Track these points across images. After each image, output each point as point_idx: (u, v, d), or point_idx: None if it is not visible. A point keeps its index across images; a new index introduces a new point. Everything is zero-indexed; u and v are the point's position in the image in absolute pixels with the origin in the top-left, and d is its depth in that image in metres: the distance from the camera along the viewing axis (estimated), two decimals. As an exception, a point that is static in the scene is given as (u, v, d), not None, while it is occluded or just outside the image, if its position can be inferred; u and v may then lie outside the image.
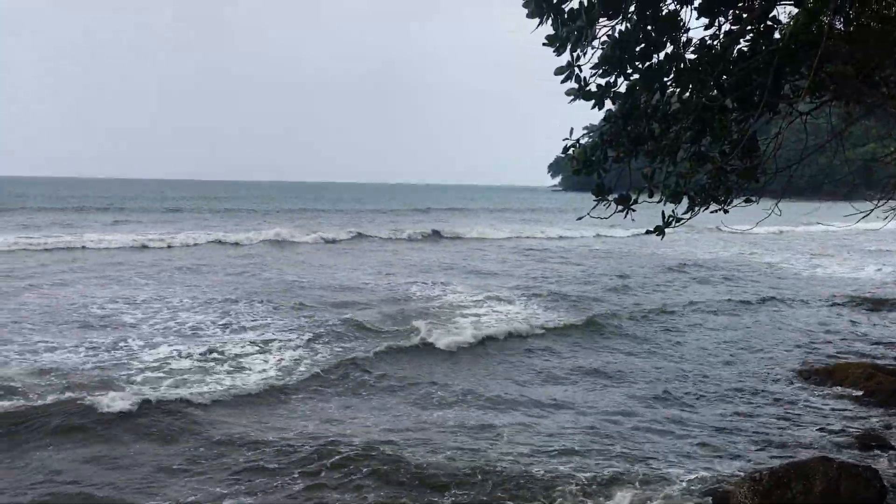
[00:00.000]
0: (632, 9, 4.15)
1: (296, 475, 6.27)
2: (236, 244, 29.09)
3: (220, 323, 12.63)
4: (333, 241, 31.99)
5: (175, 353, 10.25)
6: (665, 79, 4.40)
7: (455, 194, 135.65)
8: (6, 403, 7.69)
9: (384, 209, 67.64)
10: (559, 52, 4.30)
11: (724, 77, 4.50)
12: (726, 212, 5.11)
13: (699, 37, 4.51)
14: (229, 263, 22.00)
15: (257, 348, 10.72)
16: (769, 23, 4.45)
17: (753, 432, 7.54)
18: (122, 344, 10.76)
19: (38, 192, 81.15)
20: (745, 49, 4.53)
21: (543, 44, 4.34)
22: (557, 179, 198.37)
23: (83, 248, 25.99)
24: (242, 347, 10.70)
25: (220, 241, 29.55)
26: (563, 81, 4.39)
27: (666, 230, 4.77)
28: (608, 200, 4.77)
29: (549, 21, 4.23)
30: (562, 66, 4.35)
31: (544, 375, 9.95)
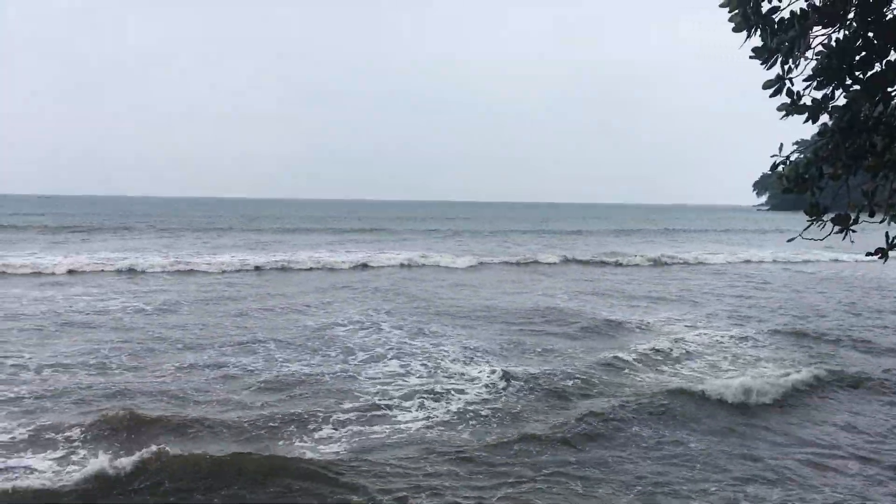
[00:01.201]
0: (850, 15, 3.88)
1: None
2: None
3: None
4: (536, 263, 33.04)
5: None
6: (889, 88, 4.05)
7: (662, 215, 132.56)
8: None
9: (592, 230, 67.85)
10: (767, 64, 4.12)
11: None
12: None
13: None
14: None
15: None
16: None
17: None
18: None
19: (270, 213, 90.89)
20: None
21: (751, 56, 4.17)
22: (763, 198, 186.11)
23: (310, 268, 28.61)
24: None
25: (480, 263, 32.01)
26: (771, 96, 4.19)
27: (889, 253, 4.36)
28: (823, 220, 4.45)
29: (758, 33, 4.07)
30: (770, 80, 4.15)
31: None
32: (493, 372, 11.62)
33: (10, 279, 22.85)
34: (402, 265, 30.69)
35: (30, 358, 11.97)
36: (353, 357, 12.69)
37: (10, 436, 8.30)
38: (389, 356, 12.84)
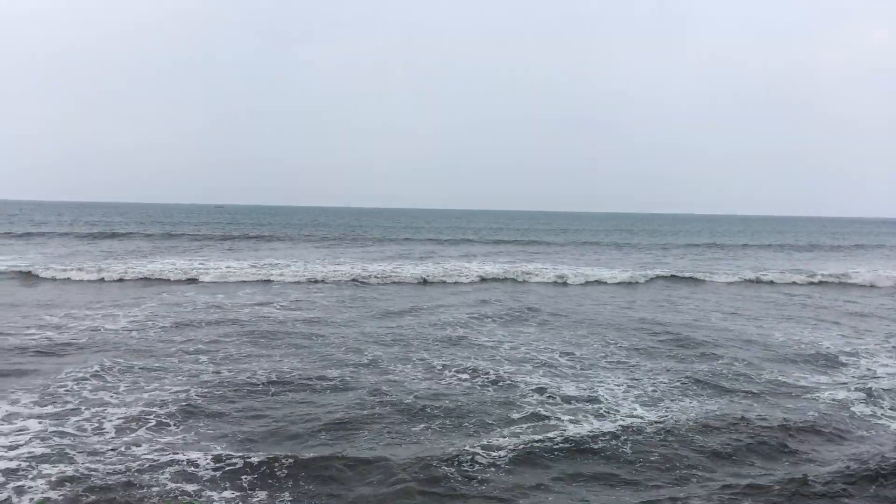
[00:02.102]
0: None
1: None
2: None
3: None
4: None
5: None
6: None
7: (794, 227, 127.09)
8: None
9: (753, 243, 64.96)
10: None
11: None
12: None
13: None
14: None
15: None
16: None
17: None
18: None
19: (376, 223, 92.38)
20: None
21: None
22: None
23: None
24: None
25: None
26: None
27: None
28: None
29: None
30: None
31: None
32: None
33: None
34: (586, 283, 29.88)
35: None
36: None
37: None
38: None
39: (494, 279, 30.38)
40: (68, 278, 26.22)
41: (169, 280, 26.88)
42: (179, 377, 11.90)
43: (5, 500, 7.03)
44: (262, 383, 11.54)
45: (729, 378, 12.62)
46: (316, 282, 27.53)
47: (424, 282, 28.79)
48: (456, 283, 29.02)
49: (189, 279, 27.05)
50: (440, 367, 12.94)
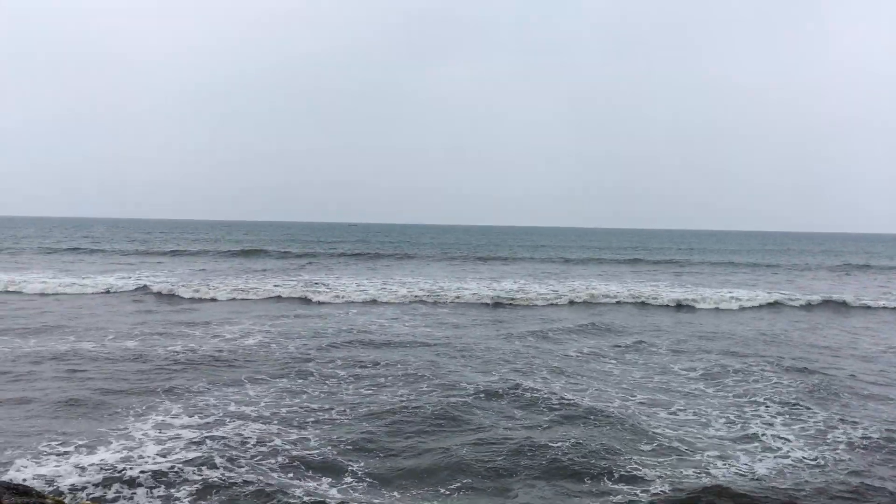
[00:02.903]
0: None
1: None
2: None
3: None
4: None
5: None
6: None
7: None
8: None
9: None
10: None
11: None
12: None
13: None
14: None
15: None
16: None
17: None
18: None
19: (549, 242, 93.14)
20: None
21: None
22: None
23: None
24: None
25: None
26: None
27: None
28: None
29: None
30: None
31: None
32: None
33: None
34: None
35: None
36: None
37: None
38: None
39: (651, 304, 29.32)
40: (213, 298, 27.48)
41: (309, 300, 27.80)
42: (318, 394, 12.23)
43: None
44: (404, 406, 11.55)
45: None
46: (459, 303, 27.53)
47: (571, 303, 28.39)
48: (602, 303, 28.45)
49: (336, 298, 27.91)
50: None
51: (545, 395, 12.04)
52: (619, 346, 17.85)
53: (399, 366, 14.59)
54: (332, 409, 11.25)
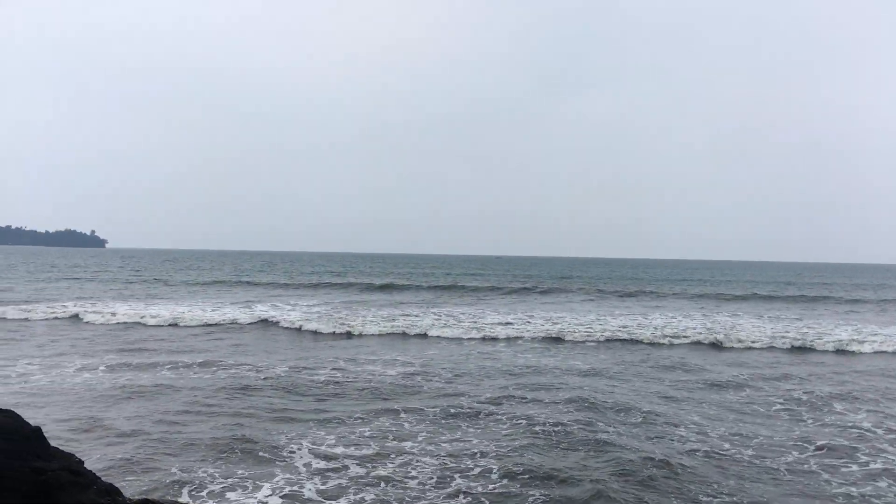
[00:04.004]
0: None
1: None
2: None
3: None
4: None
5: None
6: None
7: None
8: None
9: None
10: None
11: None
12: None
13: None
14: None
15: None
16: None
17: None
18: None
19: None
20: None
21: None
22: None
23: None
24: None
25: None
26: None
27: None
28: None
29: None
30: None
31: None
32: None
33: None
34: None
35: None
36: None
37: None
38: None
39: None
40: (360, 332, 27.19)
41: (437, 337, 27.86)
42: (475, 428, 12.00)
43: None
44: (593, 440, 11.13)
45: None
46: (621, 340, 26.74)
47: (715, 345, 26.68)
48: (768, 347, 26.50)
49: (482, 336, 27.87)
50: None
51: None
52: None
53: (557, 395, 14.14)
54: (491, 443, 10.96)
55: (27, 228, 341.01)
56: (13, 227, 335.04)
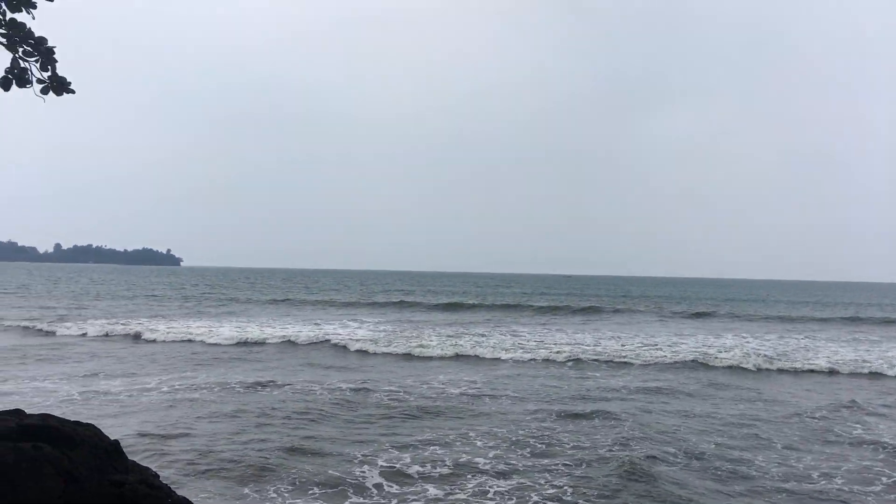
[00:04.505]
0: None
1: None
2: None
3: None
4: None
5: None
6: None
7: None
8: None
9: None
10: None
11: None
12: None
13: None
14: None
15: None
16: None
17: None
18: None
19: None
20: None
21: None
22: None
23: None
24: None
25: None
26: None
27: None
28: None
29: None
30: None
31: None
32: None
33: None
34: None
35: None
36: None
37: None
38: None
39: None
40: (411, 352, 26.69)
41: (495, 359, 27.50)
42: (542, 444, 11.76)
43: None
44: (682, 462, 10.79)
45: None
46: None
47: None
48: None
49: (547, 357, 27.48)
50: None
51: None
52: None
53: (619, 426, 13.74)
54: (560, 462, 10.69)
55: (107, 247, 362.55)
56: (94, 245, 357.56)
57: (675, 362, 24.97)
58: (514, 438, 12.48)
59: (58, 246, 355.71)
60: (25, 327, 32.26)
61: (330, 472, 10.20)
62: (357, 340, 29.16)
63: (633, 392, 18.09)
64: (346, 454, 11.17)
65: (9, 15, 4.26)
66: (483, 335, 32.32)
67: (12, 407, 5.76)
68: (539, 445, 12.02)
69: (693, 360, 25.12)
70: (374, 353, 26.34)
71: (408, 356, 25.85)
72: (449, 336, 31.10)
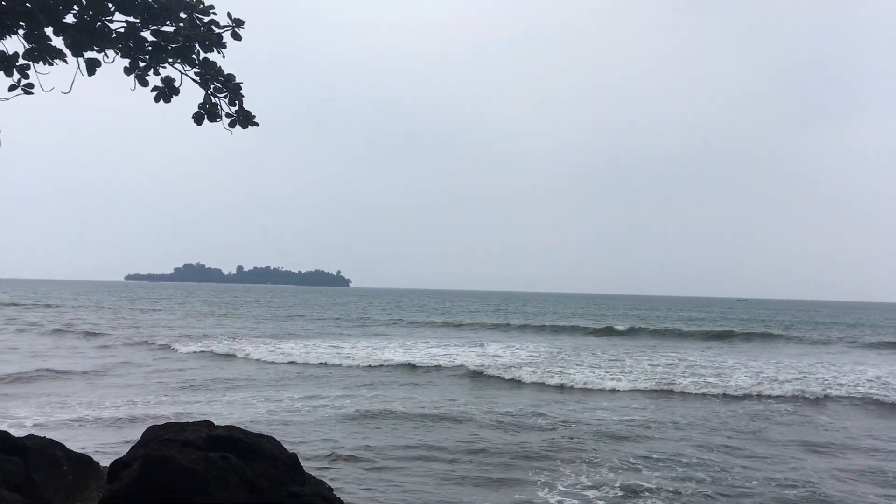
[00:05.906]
0: None
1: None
2: None
3: None
4: None
5: None
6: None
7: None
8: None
9: None
10: None
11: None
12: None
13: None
14: None
15: None
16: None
17: None
18: None
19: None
20: None
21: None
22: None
23: None
24: None
25: None
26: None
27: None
28: None
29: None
30: None
31: None
32: None
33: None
34: None
35: None
36: None
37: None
38: None
39: None
40: (543, 382, 24.20)
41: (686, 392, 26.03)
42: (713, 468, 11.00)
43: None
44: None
45: None
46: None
47: None
48: None
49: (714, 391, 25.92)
50: None
51: None
52: None
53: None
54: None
55: (283, 269, 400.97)
56: (272, 267, 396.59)
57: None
58: (679, 467, 11.80)
59: (240, 268, 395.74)
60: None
61: (516, 496, 10.11)
62: (522, 362, 28.94)
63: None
64: (523, 473, 11.08)
65: (202, 55, 4.63)
66: (636, 361, 30.93)
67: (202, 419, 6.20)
68: (712, 469, 11.22)
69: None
70: (531, 381, 25.57)
71: (558, 387, 24.23)
72: (609, 360, 30.07)
